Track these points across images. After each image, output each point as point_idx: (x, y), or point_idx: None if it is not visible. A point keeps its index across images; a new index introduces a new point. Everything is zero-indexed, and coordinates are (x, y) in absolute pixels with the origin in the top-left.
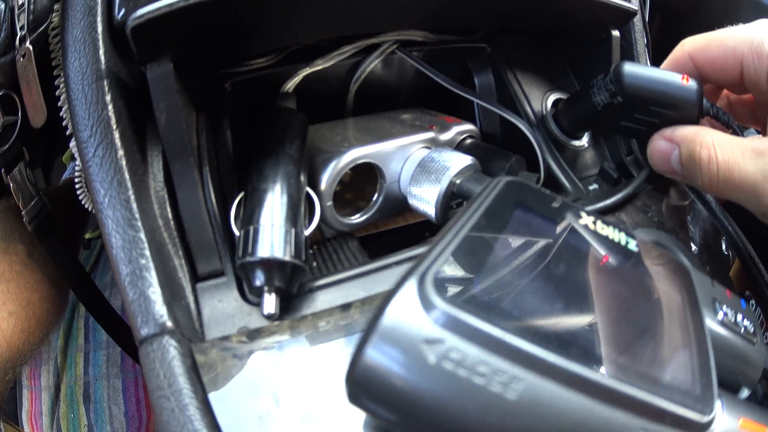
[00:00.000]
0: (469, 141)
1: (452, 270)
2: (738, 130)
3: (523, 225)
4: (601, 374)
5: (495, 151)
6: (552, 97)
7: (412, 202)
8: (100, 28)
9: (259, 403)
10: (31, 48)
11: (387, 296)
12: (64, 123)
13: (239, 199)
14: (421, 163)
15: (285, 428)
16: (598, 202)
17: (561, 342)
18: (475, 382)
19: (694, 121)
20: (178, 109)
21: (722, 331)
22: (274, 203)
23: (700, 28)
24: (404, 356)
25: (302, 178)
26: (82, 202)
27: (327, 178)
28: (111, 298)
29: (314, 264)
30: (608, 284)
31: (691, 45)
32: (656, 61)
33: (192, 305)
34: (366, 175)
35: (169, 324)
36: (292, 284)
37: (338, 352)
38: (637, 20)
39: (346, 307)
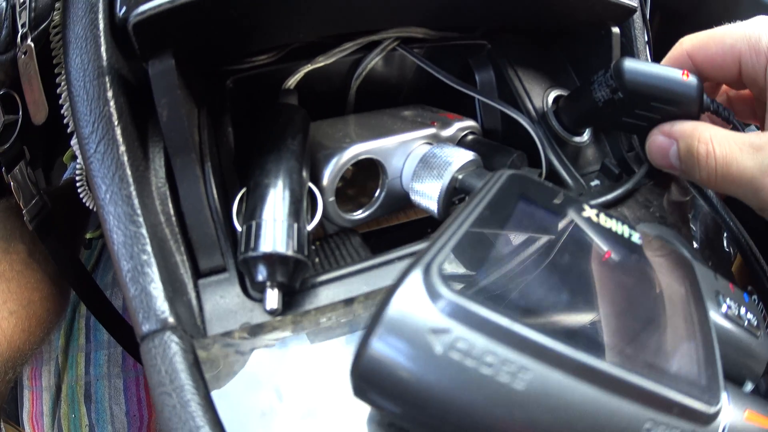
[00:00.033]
0: (470, 137)
1: (457, 261)
2: (738, 126)
3: (527, 217)
4: (609, 364)
5: (496, 147)
6: (553, 94)
7: (414, 197)
8: (101, 25)
9: (262, 399)
10: (32, 45)
11: (392, 287)
12: (65, 120)
13: (241, 194)
14: (423, 158)
15: (288, 424)
16: (600, 197)
17: (568, 333)
18: (483, 373)
19: (695, 117)
20: (180, 105)
21: (726, 323)
22: (277, 198)
23: (699, 27)
24: (410, 347)
25: (304, 173)
26: (84, 201)
27: (329, 173)
28: (112, 298)
29: (316, 260)
30: (613, 276)
31: (689, 43)
32: (656, 59)
33: (194, 301)
34: (368, 171)
35: (171, 320)
36: (294, 279)
37: (342, 347)
38: (637, 17)
39: (349, 302)
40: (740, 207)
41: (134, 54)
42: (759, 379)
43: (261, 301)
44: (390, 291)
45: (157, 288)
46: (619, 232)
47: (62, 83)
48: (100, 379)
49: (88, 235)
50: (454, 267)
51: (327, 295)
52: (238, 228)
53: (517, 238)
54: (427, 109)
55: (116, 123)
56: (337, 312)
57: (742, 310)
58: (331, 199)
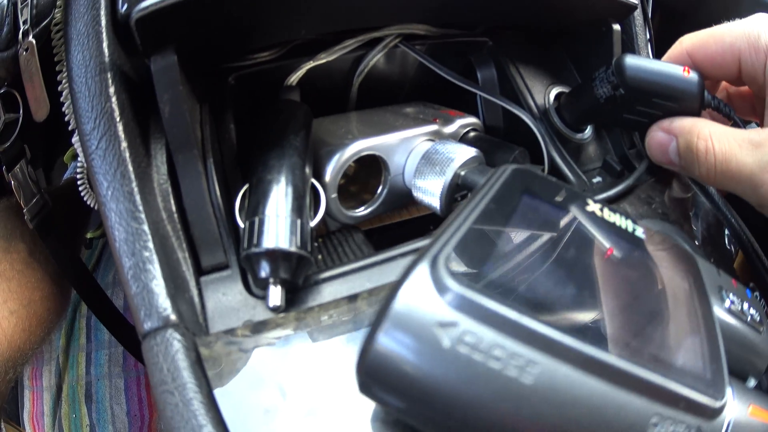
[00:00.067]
0: (472, 134)
1: (462, 255)
2: (739, 122)
3: (531, 212)
4: (617, 358)
5: (499, 144)
6: (554, 91)
7: (416, 194)
8: (103, 21)
9: (265, 397)
10: (34, 42)
11: (398, 281)
12: (66, 118)
13: (244, 190)
14: (426, 155)
15: (291, 422)
16: (601, 193)
17: (575, 326)
18: (491, 367)
19: (696, 113)
20: (182, 100)
21: (730, 318)
22: (279, 194)
23: (699, 25)
24: (417, 341)
25: (307, 169)
26: (85, 199)
27: (331, 170)
28: (113, 297)
29: (319, 256)
30: (617, 270)
31: (689, 42)
32: (658, 57)
33: (196, 298)
34: (370, 168)
35: (173, 317)
36: (297, 276)
37: (346, 344)
38: (638, 14)
39: (352, 298)
40: (742, 203)
41: (136, 50)
42: (762, 375)
43: (264, 298)
44: (396, 285)
45: (159, 285)
46: (623, 226)
47: (63, 80)
48: (101, 378)
49: (88, 235)
50: (459, 260)
51: (330, 291)
52: (241, 224)
53: (521, 232)
54: (429, 106)
55: (118, 119)
56: (340, 309)
57: (745, 305)
58: (334, 195)
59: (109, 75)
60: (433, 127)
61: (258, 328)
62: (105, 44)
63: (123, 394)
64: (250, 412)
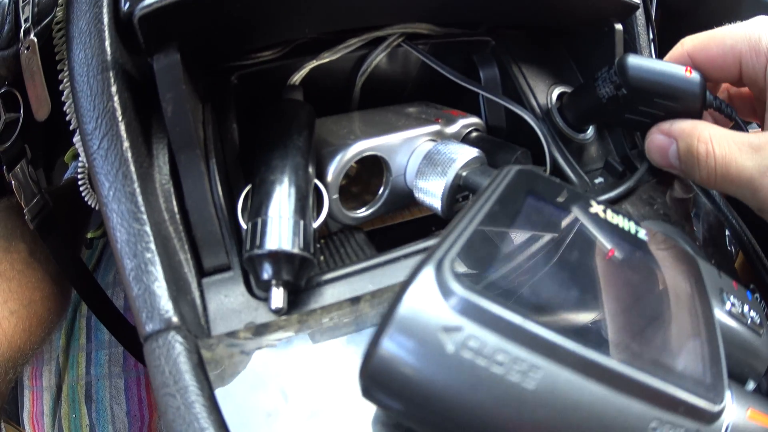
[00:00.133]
0: (474, 134)
1: (467, 257)
2: (741, 123)
3: (536, 213)
4: (618, 362)
5: (501, 144)
6: (557, 91)
7: (418, 195)
8: (105, 20)
9: (267, 400)
10: (35, 40)
11: (403, 285)
12: (67, 117)
13: (246, 191)
14: (427, 155)
15: (294, 425)
16: (603, 194)
17: (577, 330)
18: (494, 372)
19: (698, 113)
20: (185, 100)
21: (730, 321)
22: (282, 195)
23: (700, 25)
24: (421, 346)
25: (310, 169)
26: (86, 199)
27: (333, 170)
28: (113, 297)
29: (321, 258)
30: (620, 273)
31: (690, 44)
32: (660, 57)
33: (198, 300)
34: (372, 169)
35: (175, 319)
36: (300, 277)
37: (348, 347)
38: (640, 14)
39: (355, 300)
40: (743, 204)
41: (138, 49)
42: (761, 377)
43: (266, 300)
44: (401, 288)
45: (161, 287)
46: (626, 228)
47: (65, 79)
48: (100, 378)
49: (89, 235)
50: (464, 264)
51: (332, 293)
52: (243, 225)
53: (526, 234)
54: (432, 105)
55: (120, 119)
56: (342, 311)
57: (746, 307)
58: (335, 196)
59: (111, 74)
60: (435, 128)
61: (260, 330)
62: (107, 43)
63: (123, 394)
64: (252, 414)
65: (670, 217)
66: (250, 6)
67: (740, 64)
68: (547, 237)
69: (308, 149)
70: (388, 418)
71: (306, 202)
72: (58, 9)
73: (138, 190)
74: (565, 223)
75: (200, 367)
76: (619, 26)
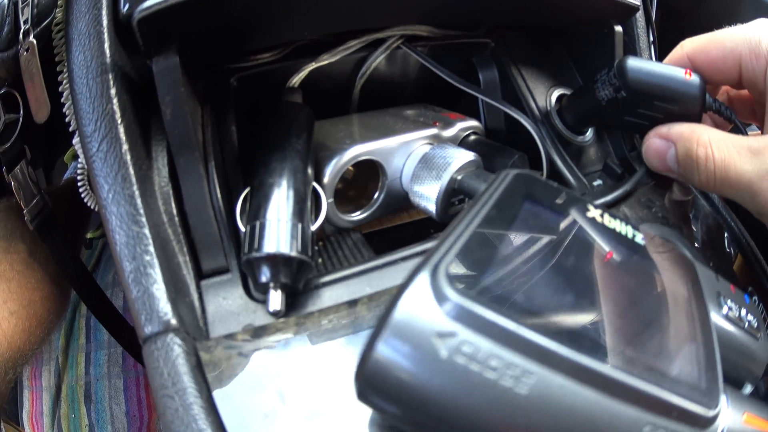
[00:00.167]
0: (472, 137)
1: (464, 262)
2: (740, 125)
3: (533, 218)
4: (611, 368)
5: (498, 148)
6: (556, 93)
7: (413, 198)
8: (105, 22)
9: (265, 402)
10: (34, 42)
11: (399, 290)
12: (67, 119)
13: (245, 194)
14: (423, 159)
15: (291, 427)
16: (602, 197)
17: (572, 336)
18: (487, 377)
19: (697, 117)
20: (184, 102)
21: (727, 325)
22: (281, 198)
23: (700, 25)
24: (416, 351)
25: (309, 171)
26: (85, 200)
27: (328, 174)
28: (112, 298)
29: (319, 260)
30: (616, 277)
31: (690, 46)
32: (660, 58)
33: (196, 303)
34: (369, 172)
35: (174, 322)
36: (298, 280)
37: (345, 349)
38: (640, 16)
39: (352, 303)
40: (742, 207)
41: (137, 51)
42: (758, 381)
43: (264, 302)
44: (397, 293)
45: (159, 289)
46: (623, 232)
47: (64, 81)
48: (100, 379)
49: (88, 235)
50: (461, 268)
51: (330, 296)
52: (242, 228)
53: (523, 238)
54: (430, 108)
55: (119, 121)
56: (340, 313)
57: (743, 311)
58: (330, 200)
59: (110, 76)
60: (433, 131)
61: (258, 332)
62: (106, 45)
63: (122, 395)
64: (249, 416)
65: (669, 219)
66: (250, 8)
67: (740, 67)
68: (544, 241)
69: (307, 152)
70: (383, 420)
71: (304, 205)
72: (57, 10)
73: (137, 193)
74: (562, 227)
75: (198, 369)
76: (618, 28)
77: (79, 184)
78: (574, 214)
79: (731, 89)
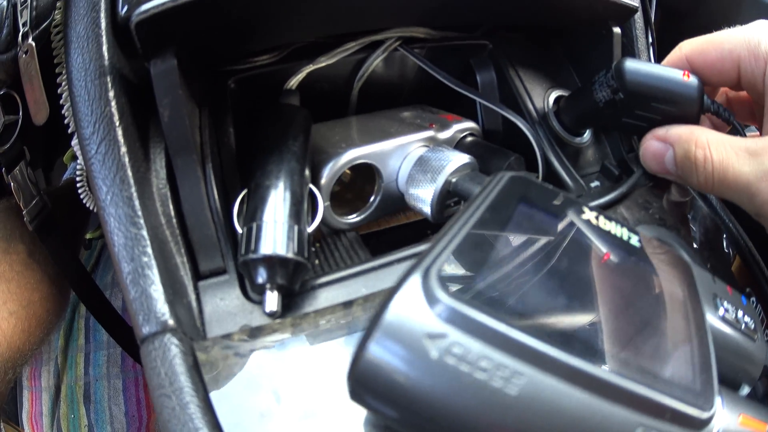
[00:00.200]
0: (469, 139)
1: (457, 264)
2: (738, 127)
3: (527, 220)
4: (602, 369)
5: (494, 150)
6: (554, 94)
7: (409, 201)
8: (103, 24)
9: (261, 401)
10: (33, 44)
11: (390, 292)
12: (66, 121)
13: (242, 196)
14: (418, 162)
15: (286, 426)
16: (599, 198)
17: (563, 337)
18: (477, 378)
19: (695, 118)
20: (182, 105)
21: (723, 327)
22: (278, 200)
23: (699, 26)
24: (407, 351)
25: (306, 173)
26: (84, 201)
27: (324, 178)
28: (111, 298)
29: (316, 261)
30: (610, 280)
31: (688, 48)
32: (659, 60)
33: (194, 303)
34: (366, 175)
35: (171, 322)
36: (294, 281)
37: (340, 350)
38: (638, 17)
39: (348, 304)
40: (740, 208)
41: (136, 53)
42: (755, 382)
43: (260, 303)
44: (389, 295)
45: (157, 290)
46: (618, 234)
47: (63, 83)
48: (99, 379)
49: (87, 236)
50: (454, 270)
51: (326, 297)
52: (239, 229)
53: (517, 241)
54: (427, 110)
55: (117, 124)
56: (336, 314)
57: (740, 313)
58: (326, 203)
59: (108, 78)
60: (429, 133)
61: (255, 333)
62: (105, 47)
63: (121, 395)
64: (245, 415)
65: (666, 221)
66: (248, 10)
67: (739, 69)
68: (538, 244)
69: (304, 154)
70: (377, 420)
71: (301, 207)
72: (56, 13)
73: (135, 195)
74: (556, 230)
75: (195, 369)
76: (617, 29)
77: (78, 185)
78: (569, 217)
79: (730, 91)
